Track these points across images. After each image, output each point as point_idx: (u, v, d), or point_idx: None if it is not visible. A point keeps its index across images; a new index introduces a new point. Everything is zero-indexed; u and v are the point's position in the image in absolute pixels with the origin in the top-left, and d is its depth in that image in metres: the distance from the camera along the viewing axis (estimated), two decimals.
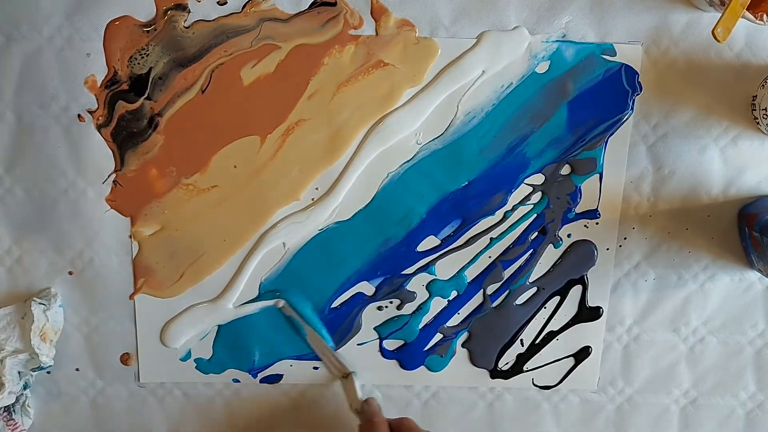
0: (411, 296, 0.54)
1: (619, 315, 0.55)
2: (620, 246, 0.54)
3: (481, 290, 0.54)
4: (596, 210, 0.53)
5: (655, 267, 0.54)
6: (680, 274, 0.55)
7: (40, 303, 0.51)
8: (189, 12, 0.48)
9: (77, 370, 0.55)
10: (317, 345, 0.54)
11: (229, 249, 0.52)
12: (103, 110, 0.50)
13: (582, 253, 0.54)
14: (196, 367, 0.55)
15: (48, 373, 0.54)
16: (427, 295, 0.54)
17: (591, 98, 0.51)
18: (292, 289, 0.53)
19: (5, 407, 0.53)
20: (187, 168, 0.51)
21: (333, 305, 0.54)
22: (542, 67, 0.50)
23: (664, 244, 0.54)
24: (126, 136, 0.50)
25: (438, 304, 0.55)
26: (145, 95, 0.49)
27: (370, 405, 0.52)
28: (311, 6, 0.49)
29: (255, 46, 0.49)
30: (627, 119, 0.51)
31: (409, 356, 0.55)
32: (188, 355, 0.55)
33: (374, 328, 0.55)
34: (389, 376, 0.56)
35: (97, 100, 0.49)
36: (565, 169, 0.52)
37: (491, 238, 0.53)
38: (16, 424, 0.53)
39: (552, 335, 0.56)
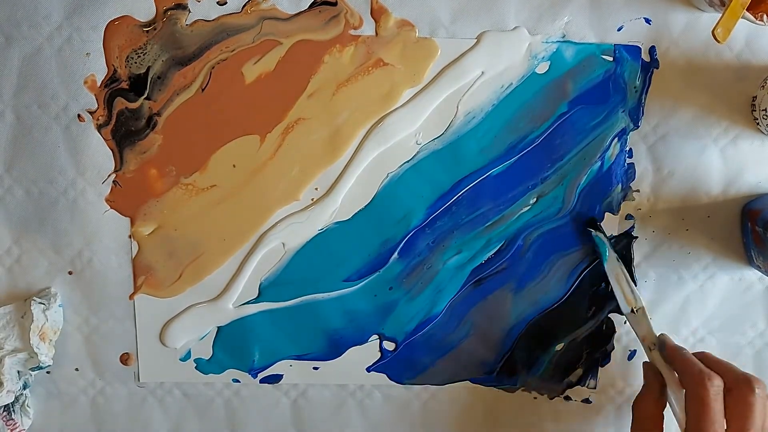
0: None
1: (619, 315, 0.55)
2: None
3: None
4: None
5: (655, 267, 0.54)
6: (680, 275, 0.55)
7: (39, 302, 0.51)
8: (189, 12, 0.48)
9: (77, 369, 0.55)
10: (614, 271, 0.53)
11: (228, 249, 0.52)
12: (103, 110, 0.49)
13: None
14: (195, 367, 0.55)
15: (47, 372, 0.54)
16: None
17: (591, 98, 0.51)
18: None
19: (5, 407, 0.53)
20: (186, 167, 0.51)
21: None
22: (542, 68, 0.50)
23: (664, 244, 0.54)
24: (124, 134, 0.50)
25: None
26: (145, 95, 0.49)
27: (668, 338, 0.51)
28: (311, 6, 0.49)
29: (257, 41, 0.49)
30: (623, 118, 0.51)
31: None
32: (188, 355, 0.55)
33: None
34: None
35: (96, 99, 0.49)
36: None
37: (489, 239, 0.53)
38: (15, 424, 0.53)
39: None
